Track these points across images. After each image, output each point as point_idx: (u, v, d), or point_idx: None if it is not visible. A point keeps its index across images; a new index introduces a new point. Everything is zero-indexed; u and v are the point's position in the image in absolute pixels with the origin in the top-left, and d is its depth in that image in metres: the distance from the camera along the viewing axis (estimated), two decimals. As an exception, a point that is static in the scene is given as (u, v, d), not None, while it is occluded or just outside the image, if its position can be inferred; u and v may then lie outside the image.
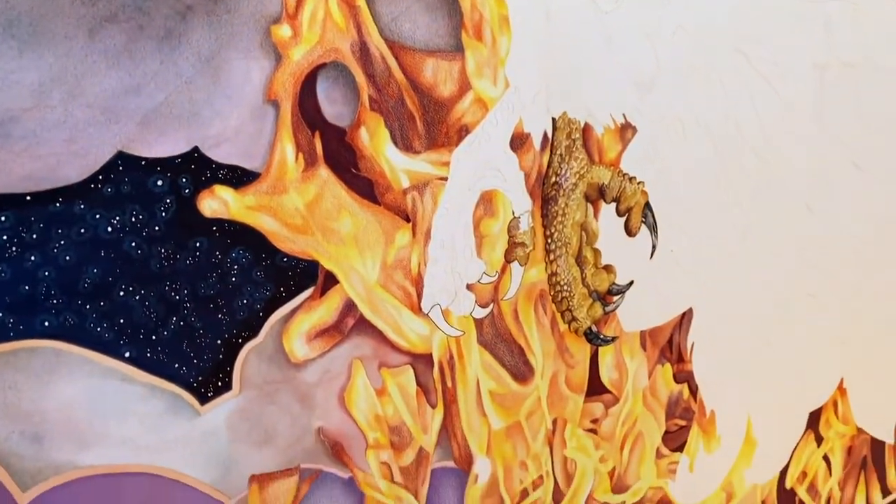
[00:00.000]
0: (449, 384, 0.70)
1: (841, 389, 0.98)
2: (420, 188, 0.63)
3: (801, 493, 0.99)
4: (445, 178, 0.64)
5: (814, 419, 0.97)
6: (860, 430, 1.02)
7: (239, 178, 0.56)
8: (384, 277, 0.64)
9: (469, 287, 0.68)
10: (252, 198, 0.57)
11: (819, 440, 0.99)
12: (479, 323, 0.70)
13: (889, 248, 0.94)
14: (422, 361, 0.68)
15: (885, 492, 1.10)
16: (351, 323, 0.63)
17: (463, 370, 0.70)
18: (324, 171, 0.59)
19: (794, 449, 0.97)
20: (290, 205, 0.58)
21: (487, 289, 0.69)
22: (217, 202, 0.56)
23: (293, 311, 0.61)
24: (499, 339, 0.71)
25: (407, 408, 0.68)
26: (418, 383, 0.68)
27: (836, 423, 0.99)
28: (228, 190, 0.56)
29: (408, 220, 0.64)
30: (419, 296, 0.66)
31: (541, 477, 0.78)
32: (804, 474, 0.99)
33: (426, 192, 0.64)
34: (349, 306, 0.63)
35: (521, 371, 0.74)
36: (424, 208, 0.64)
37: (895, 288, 0.97)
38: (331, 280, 0.62)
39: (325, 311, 0.62)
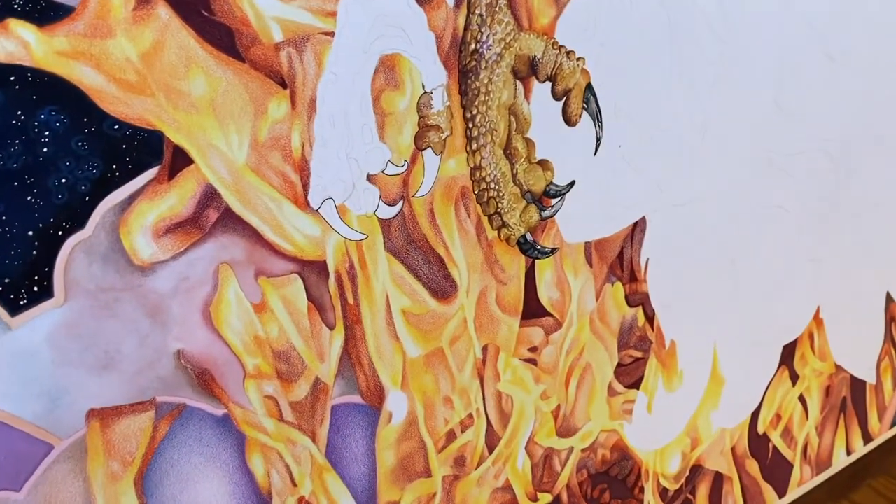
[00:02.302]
0: (350, 300, 0.57)
1: (817, 319, 0.87)
2: (298, 44, 0.50)
3: (776, 438, 0.89)
4: (331, 34, 0.51)
5: (788, 354, 0.86)
6: (839, 368, 0.92)
7: (44, 11, 0.43)
8: (256, 159, 0.51)
9: (371, 179, 0.56)
10: (64, 40, 0.44)
11: (794, 378, 0.88)
12: (385, 225, 0.57)
13: (868, 153, 0.83)
14: (313, 270, 0.55)
15: (867, 438, 0.99)
16: (213, 217, 0.50)
17: (367, 283, 0.58)
18: (164, 12, 0.46)
19: (767, 388, 0.86)
20: (118, 54, 0.45)
21: (395, 182, 0.57)
22: (14, 43, 0.42)
23: (132, 198, 0.47)
24: (412, 247, 0.59)
25: (296, 328, 0.55)
26: (310, 298, 0.55)
27: (813, 359, 0.89)
28: (29, 27, 0.43)
29: (284, 85, 0.51)
30: (305, 186, 0.53)
31: (470, 416, 0.65)
32: (778, 417, 0.88)
33: (306, 50, 0.51)
34: (210, 195, 0.50)
35: (442, 286, 0.61)
36: (305, 71, 0.51)
37: (877, 200, 0.86)
38: (182, 158, 0.48)
39: (177, 199, 0.49)
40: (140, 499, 0.52)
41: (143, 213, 0.48)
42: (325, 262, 0.55)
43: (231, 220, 0.51)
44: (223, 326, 0.52)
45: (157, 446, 0.52)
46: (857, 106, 0.80)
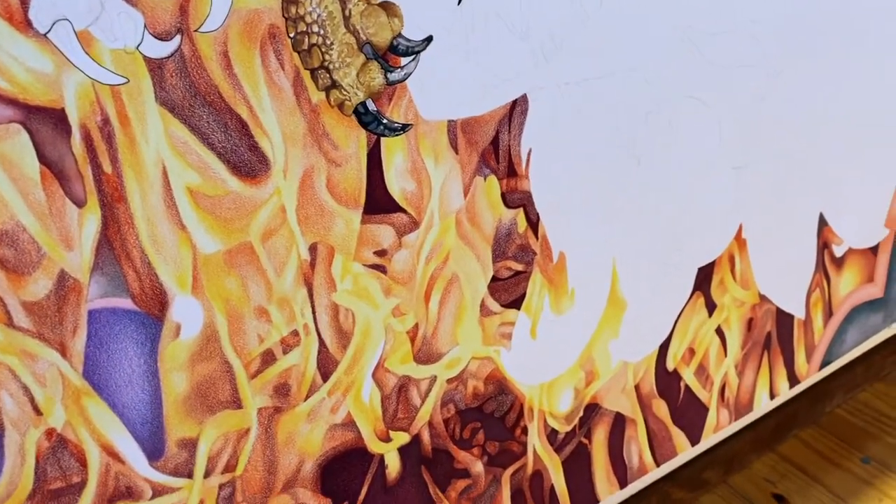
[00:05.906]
0: (107, 168, 0.43)
1: (739, 240, 0.75)
2: None
3: (688, 376, 0.77)
4: None
5: (704, 278, 0.74)
6: (763, 298, 0.80)
7: None
8: (-65, -54, 0.36)
9: None
10: None
11: (711, 308, 0.76)
12: (156, 67, 0.43)
13: (804, 42, 0.71)
14: (47, 121, 0.41)
15: (794, 380, 0.89)
16: None
17: (132, 146, 0.43)
18: None
19: (678, 317, 0.74)
20: None
21: (167, 7, 0.42)
22: None
23: None
24: (198, 102, 0.44)
25: (24, 201, 0.41)
26: (43, 160, 0.41)
27: (733, 287, 0.77)
28: None
29: None
30: (24, -2, 0.38)
31: (295, 333, 0.52)
32: (691, 352, 0.76)
33: None
34: None
35: (246, 161, 0.47)
36: None
37: (813, 102, 0.74)
38: None
39: None
40: None
41: None
42: (63, 110, 0.41)
43: None
44: None
45: None
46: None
